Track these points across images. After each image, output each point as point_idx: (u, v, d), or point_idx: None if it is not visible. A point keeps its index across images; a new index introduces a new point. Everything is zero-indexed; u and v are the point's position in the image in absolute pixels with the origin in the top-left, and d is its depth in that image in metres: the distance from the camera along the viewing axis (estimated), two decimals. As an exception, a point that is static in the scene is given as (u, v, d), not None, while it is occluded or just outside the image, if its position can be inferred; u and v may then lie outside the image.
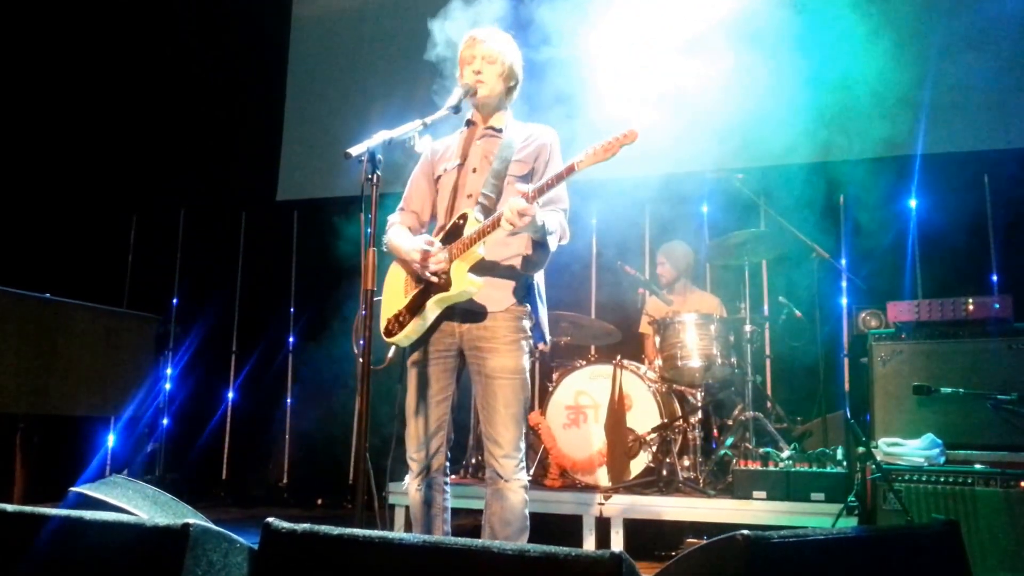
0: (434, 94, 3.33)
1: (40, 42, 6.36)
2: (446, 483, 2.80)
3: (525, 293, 2.78)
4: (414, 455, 2.73)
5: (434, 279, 2.67)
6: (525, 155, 2.83)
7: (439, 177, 2.90)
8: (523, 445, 2.72)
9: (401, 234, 2.85)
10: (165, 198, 6.95)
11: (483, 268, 2.68)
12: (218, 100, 6.72)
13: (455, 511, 2.89)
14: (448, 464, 2.80)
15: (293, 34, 7.01)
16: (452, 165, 2.87)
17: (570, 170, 2.49)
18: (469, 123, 2.93)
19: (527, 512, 2.69)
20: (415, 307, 2.73)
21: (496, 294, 2.72)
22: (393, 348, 2.83)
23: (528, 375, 2.75)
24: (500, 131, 2.87)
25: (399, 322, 2.76)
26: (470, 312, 2.71)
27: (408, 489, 2.79)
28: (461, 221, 2.70)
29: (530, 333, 2.78)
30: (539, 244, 2.71)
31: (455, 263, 2.65)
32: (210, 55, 6.65)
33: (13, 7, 6.17)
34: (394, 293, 2.83)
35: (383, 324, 2.81)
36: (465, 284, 2.62)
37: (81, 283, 5.70)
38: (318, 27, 6.94)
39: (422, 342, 2.77)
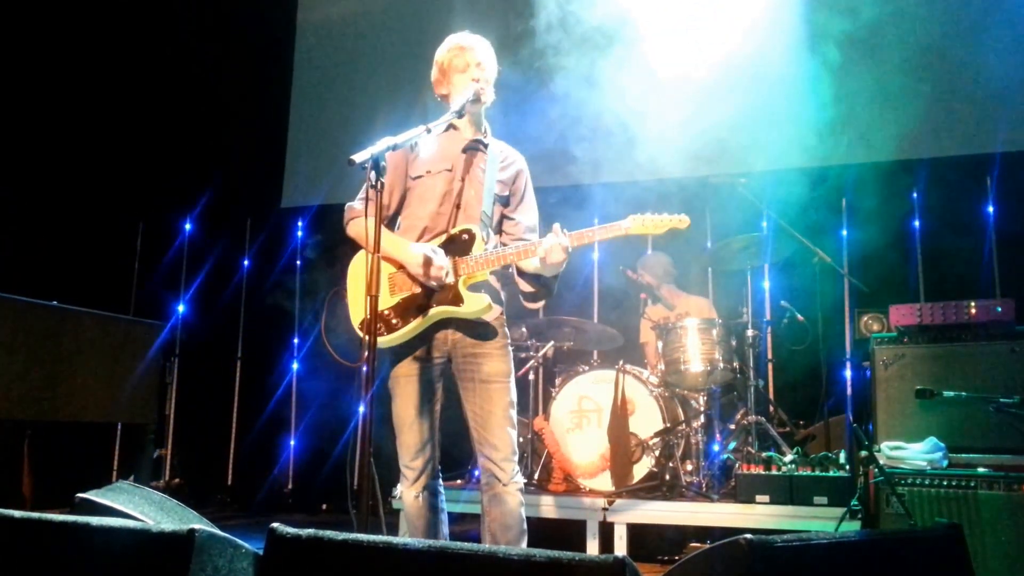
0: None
1: (46, 49, 6.40)
2: (440, 487, 2.81)
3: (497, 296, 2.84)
4: (410, 463, 2.72)
5: (434, 286, 2.66)
6: (505, 177, 2.86)
7: (418, 177, 2.82)
8: (517, 448, 2.74)
9: (380, 228, 2.74)
10: (171, 205, 6.98)
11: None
12: (223, 107, 6.74)
13: (459, 515, 2.90)
14: (440, 469, 2.82)
15: (298, 41, 7.04)
16: (438, 169, 2.81)
17: (616, 232, 2.61)
18: (449, 127, 2.86)
19: (524, 514, 2.70)
20: (409, 310, 2.69)
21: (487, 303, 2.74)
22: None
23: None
24: (486, 146, 2.87)
25: (386, 322, 2.70)
26: (466, 321, 2.72)
27: (404, 498, 2.78)
28: (466, 236, 2.70)
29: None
30: (549, 281, 2.80)
31: (460, 279, 2.66)
32: (215, 62, 6.68)
33: (21, 14, 6.20)
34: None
35: (357, 321, 2.73)
36: (478, 304, 2.66)
37: (88, 290, 5.71)
38: (322, 34, 6.98)
39: (410, 349, 2.74)
